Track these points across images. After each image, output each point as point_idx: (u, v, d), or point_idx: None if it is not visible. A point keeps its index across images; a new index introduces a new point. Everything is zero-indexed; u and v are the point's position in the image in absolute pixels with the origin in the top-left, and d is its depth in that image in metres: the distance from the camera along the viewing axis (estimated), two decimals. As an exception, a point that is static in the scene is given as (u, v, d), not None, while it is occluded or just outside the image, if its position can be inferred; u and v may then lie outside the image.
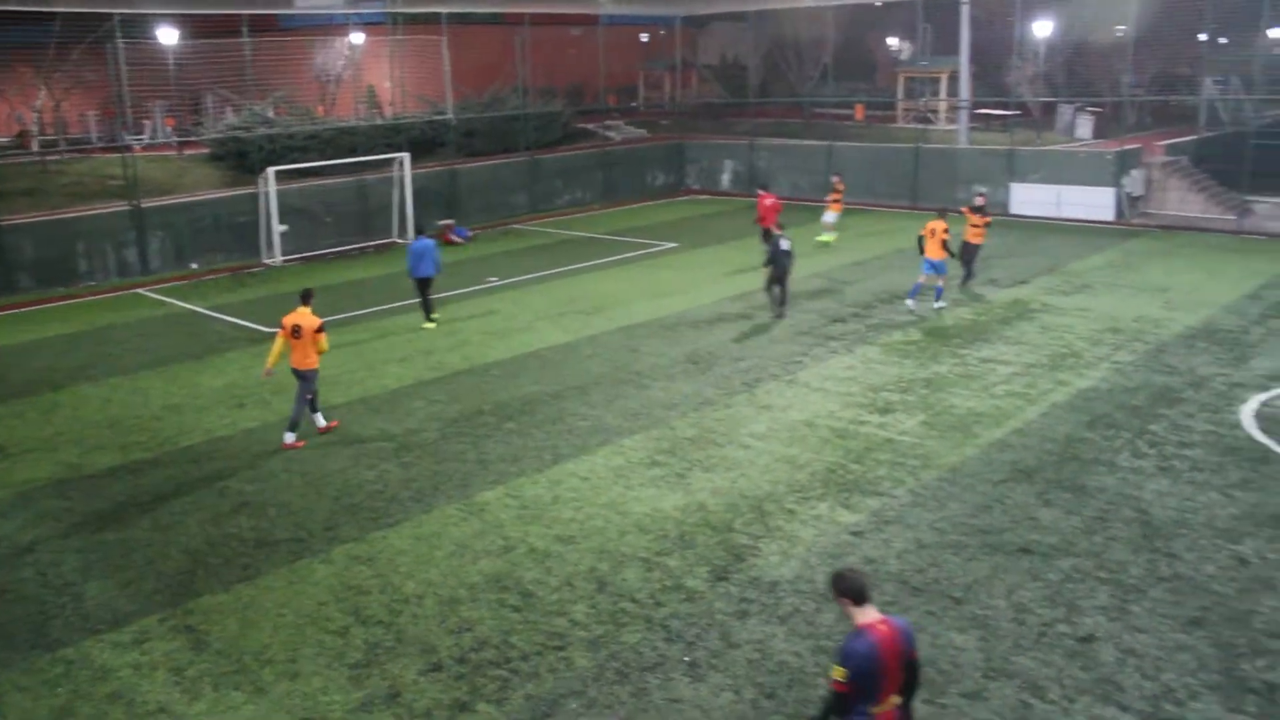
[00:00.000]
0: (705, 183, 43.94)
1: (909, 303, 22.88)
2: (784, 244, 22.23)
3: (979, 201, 24.21)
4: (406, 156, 32.97)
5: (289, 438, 15.61)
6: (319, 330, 15.53)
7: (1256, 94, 39.62)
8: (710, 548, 11.99)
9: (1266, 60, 42.72)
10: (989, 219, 24.74)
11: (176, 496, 13.98)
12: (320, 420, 16.12)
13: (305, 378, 15.62)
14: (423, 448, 15.37)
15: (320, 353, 15.61)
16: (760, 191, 30.24)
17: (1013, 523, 12.45)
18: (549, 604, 10.88)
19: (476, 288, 26.10)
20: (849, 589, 6.87)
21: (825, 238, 30.81)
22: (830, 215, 31.33)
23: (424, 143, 37.65)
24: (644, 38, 60.13)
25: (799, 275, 26.27)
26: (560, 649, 10.05)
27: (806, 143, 42.55)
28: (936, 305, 22.83)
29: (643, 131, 48.43)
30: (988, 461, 14.27)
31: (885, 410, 16.37)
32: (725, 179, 43.55)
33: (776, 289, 22.40)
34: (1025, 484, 13.54)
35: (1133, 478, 13.69)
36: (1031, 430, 15.40)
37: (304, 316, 15.55)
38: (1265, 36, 45.40)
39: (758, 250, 29.88)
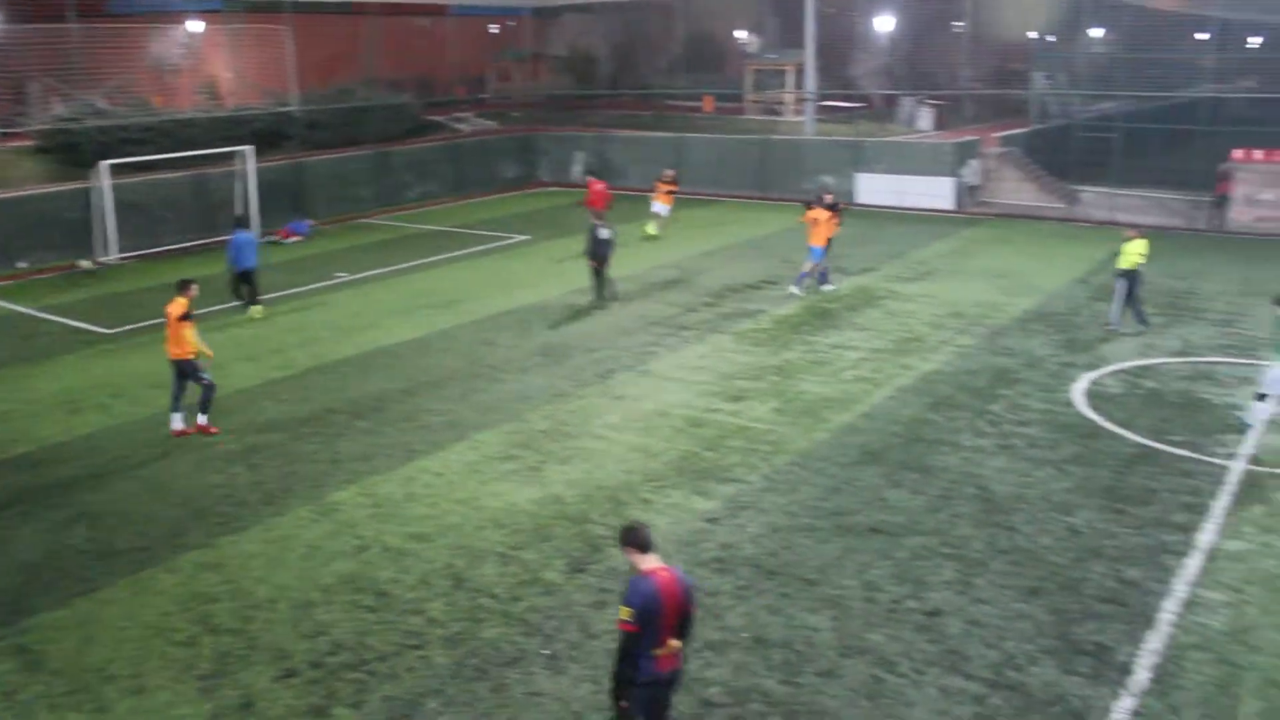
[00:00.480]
0: (557, 175, 43.87)
1: (793, 289, 23.52)
2: (603, 233, 22.75)
3: (828, 199, 24.62)
4: (250, 149, 32.00)
5: (202, 419, 15.62)
6: (181, 318, 15.19)
7: (1081, 89, 41.51)
8: (567, 540, 12.00)
9: (1089, 58, 44.82)
10: (840, 210, 25.01)
11: (8, 508, 13.30)
12: (177, 422, 15.59)
13: (177, 368, 15.38)
14: (272, 449, 14.97)
15: (190, 344, 15.33)
16: (590, 179, 30.48)
17: (862, 504, 12.80)
18: (405, 603, 10.73)
19: (325, 283, 25.54)
20: (636, 540, 7.56)
21: (651, 229, 30.70)
22: (660, 206, 31.03)
23: (268, 135, 36.54)
24: (493, 29, 59.60)
25: (651, 266, 26.53)
26: (418, 648, 9.93)
27: (657, 134, 42.88)
28: (824, 287, 23.63)
29: (493, 123, 48.05)
30: (837, 445, 14.63)
31: (738, 398, 16.63)
32: (576, 171, 43.51)
33: (599, 275, 22.94)
34: (874, 466, 13.93)
35: (974, 456, 14.22)
36: (879, 414, 15.86)
37: (173, 305, 15.30)
38: (1087, 36, 47.65)
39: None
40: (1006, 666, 9.50)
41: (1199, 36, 48.11)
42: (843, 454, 14.33)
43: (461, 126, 46.58)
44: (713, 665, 9.53)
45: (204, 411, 15.64)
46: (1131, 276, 20.18)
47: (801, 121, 43.76)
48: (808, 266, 23.48)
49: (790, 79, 52.69)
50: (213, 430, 15.58)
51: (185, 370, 15.42)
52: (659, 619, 7.30)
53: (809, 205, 23.70)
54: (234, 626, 10.39)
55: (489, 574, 11.26)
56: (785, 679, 9.33)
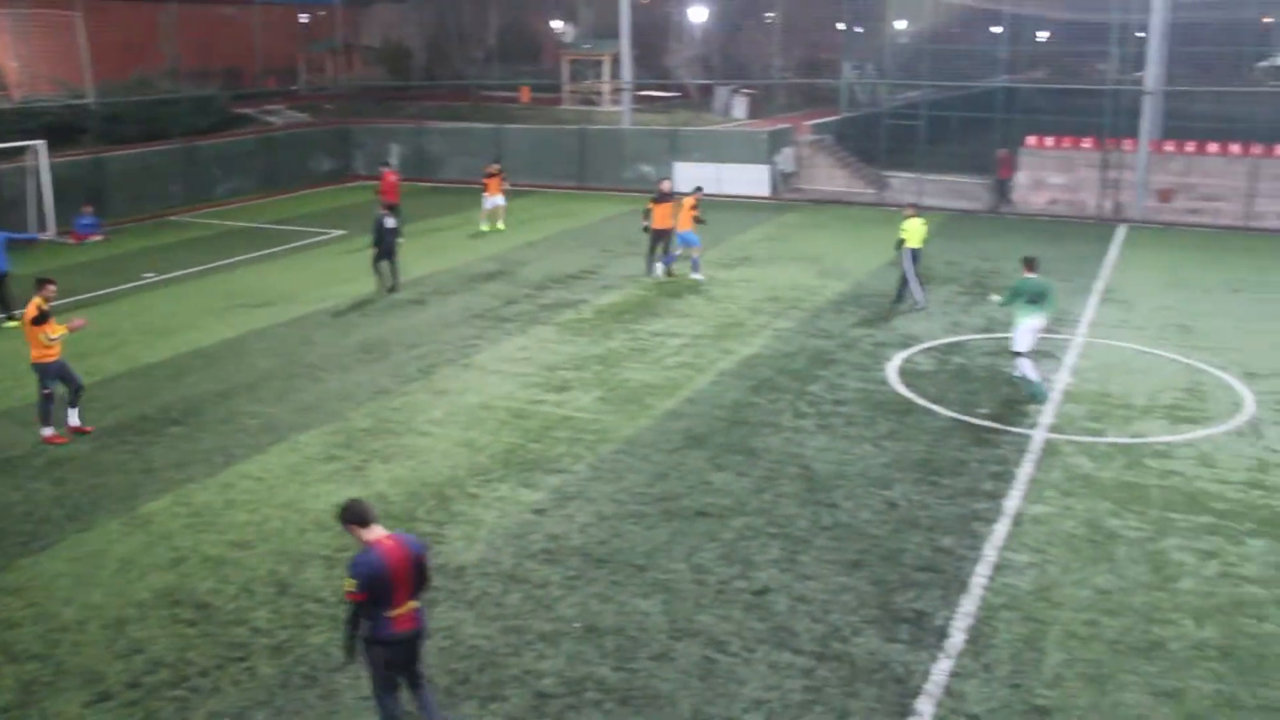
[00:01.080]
0: (374, 168, 42.89)
1: (658, 269, 24.11)
2: (389, 222, 22.75)
3: (665, 187, 24.33)
4: (42, 144, 30.26)
5: (72, 417, 15.14)
6: (33, 321, 14.49)
7: (888, 79, 43.01)
8: (394, 538, 11.77)
9: (894, 48, 46.47)
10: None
11: None
12: (46, 431, 14.89)
13: (37, 371, 14.80)
14: (78, 460, 14.20)
15: (46, 346, 14.65)
16: (383, 169, 30.06)
17: (688, 488, 12.99)
18: (227, 614, 10.35)
19: (132, 284, 24.38)
20: (353, 516, 7.92)
21: (485, 226, 30.31)
22: (491, 199, 30.46)
23: (62, 129, 34.65)
24: (303, 18, 57.98)
25: (473, 258, 26.30)
26: (242, 659, 9.59)
27: (475, 125, 42.53)
28: (694, 276, 23.86)
29: (305, 116, 46.80)
30: (662, 431, 14.81)
31: (561, 388, 16.64)
32: (393, 164, 42.69)
33: (385, 264, 22.87)
34: (698, 450, 14.15)
35: (795, 436, 14.60)
36: (702, 398, 16.12)
37: (30, 306, 14.66)
38: (893, 27, 49.43)
39: (426, 235, 29.67)
40: (832, 638, 9.80)
41: (994, 30, 50.49)
42: (667, 440, 14.51)
43: (273, 119, 45.20)
44: (546, 657, 9.52)
45: (73, 406, 15.17)
46: (915, 254, 21.35)
47: (619, 111, 44.05)
48: (696, 252, 23.95)
49: (607, 69, 52.99)
50: (86, 429, 15.15)
51: (38, 371, 14.73)
52: (388, 585, 7.78)
53: (655, 201, 23.68)
54: (39, 652, 9.82)
55: (314, 578, 10.97)
56: (619, 665, 9.40)
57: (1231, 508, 12.54)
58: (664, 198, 23.74)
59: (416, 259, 26.04)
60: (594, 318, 20.79)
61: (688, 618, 10.16)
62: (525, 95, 53.30)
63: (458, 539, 11.75)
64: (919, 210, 22.27)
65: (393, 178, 29.12)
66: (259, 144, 39.86)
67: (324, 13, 56.07)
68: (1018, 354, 16.23)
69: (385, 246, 22.67)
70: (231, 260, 26.77)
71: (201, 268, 25.99)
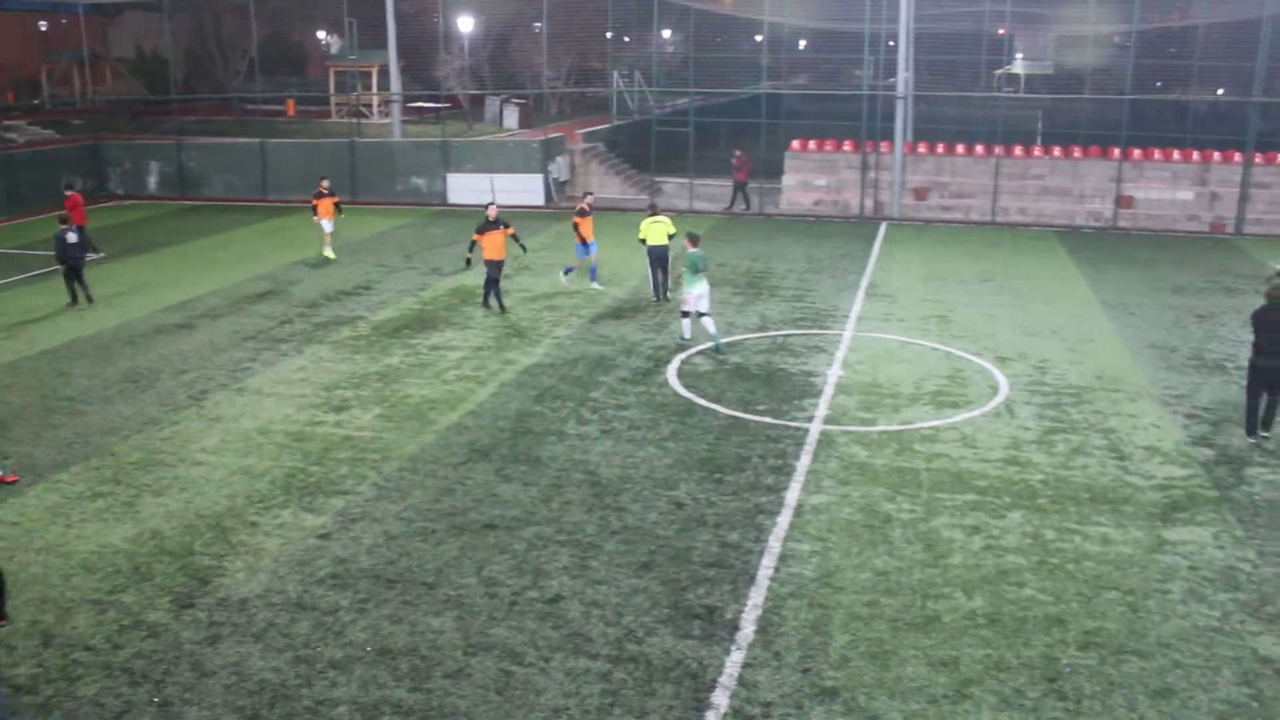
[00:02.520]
0: (130, 186, 40.75)
1: (563, 279, 24.25)
2: (70, 236, 22.71)
3: (492, 213, 22.17)
4: None
5: None
6: None
7: (656, 87, 43.84)
8: (170, 576, 11.20)
9: (661, 57, 47.39)
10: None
11: None
12: None
13: None
14: None
15: None
16: (68, 191, 28.73)
17: (475, 501, 12.87)
18: (-19, 670, 9.58)
19: None
20: None
21: (330, 253, 27.96)
22: (327, 223, 27.96)
23: None
24: (43, 26, 54.46)
25: (241, 278, 25.31)
26: None
27: (239, 141, 40.94)
28: (593, 285, 23.97)
29: (51, 132, 43.98)
30: (446, 446, 14.62)
31: (341, 408, 16.21)
32: (153, 182, 40.71)
33: (74, 280, 22.90)
34: (484, 463, 14.04)
35: (580, 443, 14.68)
36: (485, 411, 16.00)
37: None
38: (660, 36, 50.40)
39: (193, 257, 28.42)
40: (627, 641, 9.88)
41: (757, 38, 52.14)
42: (452, 454, 14.34)
43: (12, 136, 42.27)
44: (339, 685, 9.24)
45: None
46: (655, 251, 22.32)
47: (389, 123, 43.30)
48: (593, 260, 24.17)
49: (375, 80, 51.99)
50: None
51: None
52: None
53: (481, 230, 22.23)
54: None
55: (83, 625, 10.29)
56: (414, 686, 9.21)
57: (992, 484, 13.35)
58: (491, 225, 21.84)
59: (181, 281, 24.88)
60: (371, 334, 20.35)
61: (482, 632, 10.06)
62: (291, 108, 51.70)
63: (239, 570, 11.26)
64: (657, 210, 23.18)
65: (78, 198, 28.37)
66: (-2, 164, 37.14)
67: (65, 21, 52.82)
68: (702, 314, 18.87)
69: (70, 263, 22.69)
70: (-28, 290, 24.89)
71: (-62, 299, 24.06)
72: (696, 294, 18.87)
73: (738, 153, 36.26)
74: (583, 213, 24.18)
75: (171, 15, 45.75)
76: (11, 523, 12.50)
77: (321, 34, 62.54)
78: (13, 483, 13.64)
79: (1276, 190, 34.24)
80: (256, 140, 39.97)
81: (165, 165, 40.34)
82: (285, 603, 10.61)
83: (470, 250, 22.65)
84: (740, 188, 36.12)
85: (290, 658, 9.66)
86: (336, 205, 28.21)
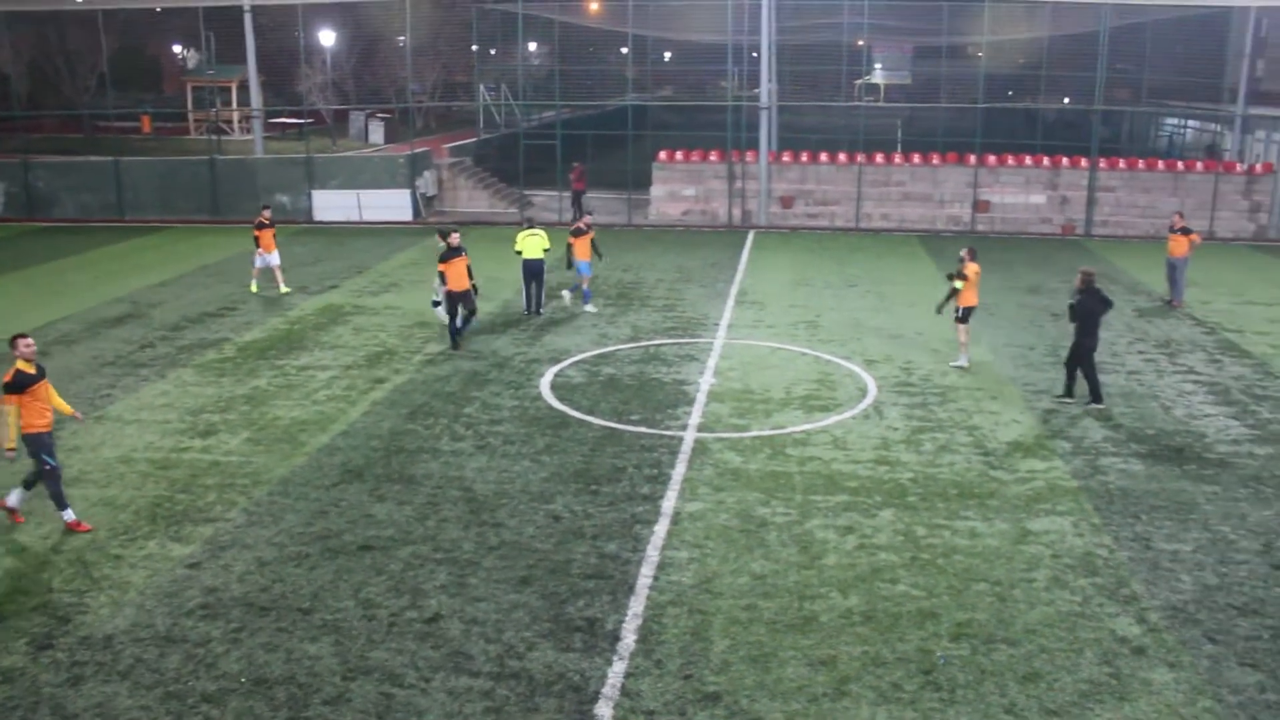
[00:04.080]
0: (-28, 209, 38.94)
1: (566, 296, 23.61)
2: None
3: (455, 240, 20.11)
4: None
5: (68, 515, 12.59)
6: (6, 387, 12.26)
7: (523, 100, 43.77)
8: (26, 616, 10.68)
9: (528, 70, 47.36)
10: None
11: None
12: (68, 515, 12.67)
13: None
14: None
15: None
16: None
17: (350, 523, 12.63)
18: None
19: None
20: None
21: (254, 287, 25.48)
22: (263, 259, 25.29)
23: None
24: None
25: (97, 302, 24.41)
26: None
27: (90, 159, 39.48)
28: (585, 307, 23.20)
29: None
30: (318, 468, 14.32)
31: (207, 433, 15.75)
32: (-2, 204, 38.98)
33: None
34: (357, 483, 13.79)
35: (455, 460, 14.54)
36: (356, 430, 15.73)
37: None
38: (526, 49, 50.38)
39: (44, 281, 27.31)
40: (508, 657, 9.81)
41: (623, 50, 52.51)
42: (324, 476, 14.05)
43: None
44: (212, 719, 8.96)
45: (27, 487, 12.86)
46: (530, 265, 22.29)
47: (250, 140, 42.33)
48: (586, 281, 23.36)
49: (234, 95, 50.79)
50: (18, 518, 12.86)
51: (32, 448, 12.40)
52: None
53: (445, 259, 20.67)
54: None
55: (-72, 672, 9.77)
56: (292, 715, 8.98)
57: (863, 484, 13.66)
58: (454, 252, 19.82)
59: (32, 306, 23.88)
60: (237, 356, 19.83)
61: (360, 655, 9.87)
62: (146, 125, 50.16)
63: (103, 606, 10.82)
64: (533, 224, 23.13)
65: None
66: None
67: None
68: (439, 303, 20.33)
69: None
70: None
71: None
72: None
73: (575, 164, 36.45)
74: (579, 232, 23.08)
75: (9, 25, 43.89)
76: None
77: (177, 48, 60.79)
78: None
79: (1120, 193, 35.89)
80: (110, 158, 38.60)
81: (10, 185, 38.62)
82: (153, 637, 10.24)
83: (442, 283, 20.12)
84: (578, 198, 36.31)
85: (160, 694, 9.33)
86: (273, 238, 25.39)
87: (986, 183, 36.16)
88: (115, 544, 12.19)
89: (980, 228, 35.32)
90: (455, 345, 19.90)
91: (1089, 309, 16.72)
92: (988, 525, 12.51)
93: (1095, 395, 16.88)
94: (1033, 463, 14.49)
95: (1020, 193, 36.20)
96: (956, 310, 18.90)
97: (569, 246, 23.07)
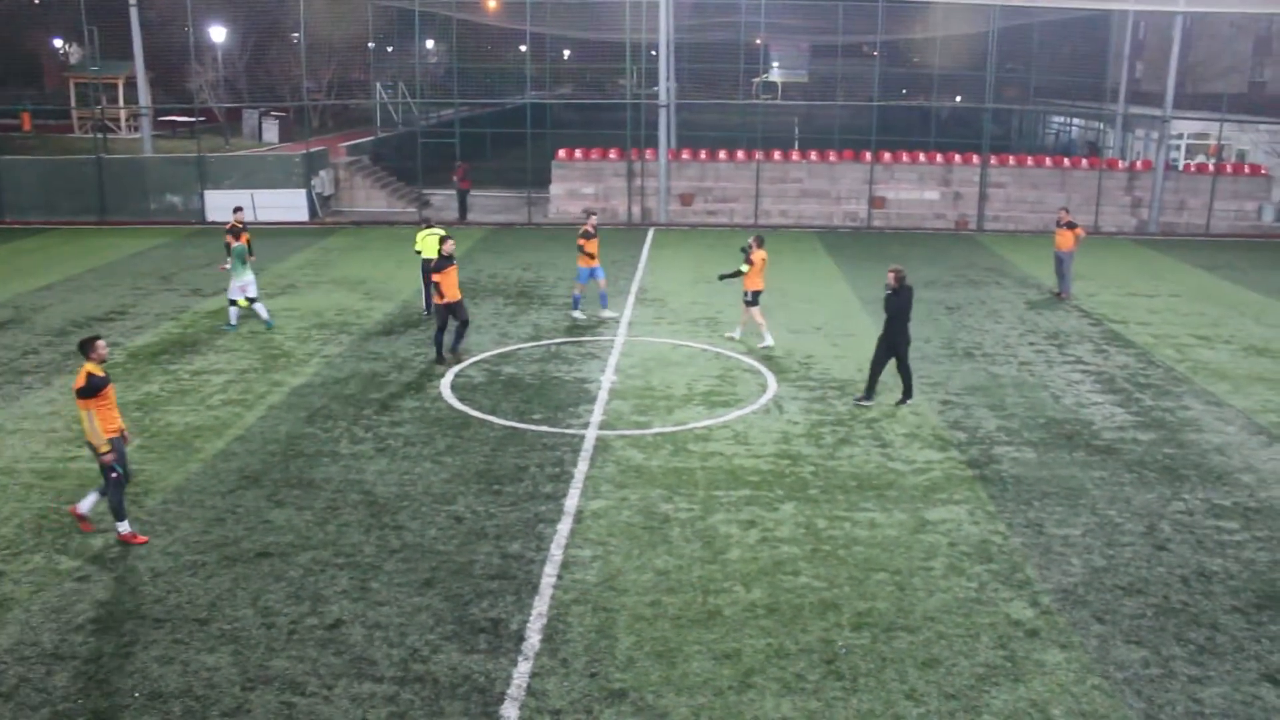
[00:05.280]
0: None
1: (576, 313, 22.42)
2: None
3: (449, 248, 19.17)
4: None
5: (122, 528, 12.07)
6: (80, 392, 11.84)
7: (421, 98, 43.29)
8: (-96, 633, 10.29)
9: (425, 67, 46.87)
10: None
11: None
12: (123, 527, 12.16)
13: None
14: None
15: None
16: None
17: (247, 530, 12.37)
18: None
19: None
20: None
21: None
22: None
23: None
24: None
25: (-22, 307, 23.52)
26: None
27: (-34, 159, 38.03)
28: (604, 312, 22.66)
29: None
30: (214, 474, 14.00)
31: (98, 440, 15.27)
32: None
33: None
34: (255, 489, 13.52)
35: (355, 463, 14.33)
36: (253, 435, 15.41)
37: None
38: (424, 46, 49.85)
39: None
40: (412, 660, 9.71)
41: (522, 48, 52.21)
42: (220, 482, 13.74)
43: None
44: (102, 734, 8.71)
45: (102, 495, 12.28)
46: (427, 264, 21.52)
47: (139, 138, 41.19)
48: (603, 286, 22.57)
49: (121, 92, 49.36)
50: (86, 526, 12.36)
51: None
52: None
53: (587, 235, 21.56)
54: None
55: None
56: (187, 729, 8.78)
57: (765, 479, 13.81)
58: (446, 261, 18.75)
59: (-94, 313, 22.95)
60: (128, 361, 19.28)
61: (260, 665, 9.68)
62: (26, 122, 48.47)
63: (-16, 622, 10.45)
64: (431, 223, 22.58)
65: None
66: None
67: None
68: (233, 302, 21.06)
69: None
70: None
71: None
72: (243, 283, 20.92)
73: (458, 163, 36.29)
74: (588, 235, 21.89)
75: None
76: None
77: (59, 42, 58.85)
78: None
79: (1010, 189, 36.82)
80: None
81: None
82: (40, 655, 9.90)
83: (438, 297, 18.85)
84: (463, 197, 36.21)
85: (47, 713, 9.02)
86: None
87: (882, 179, 36.81)
88: (-1, 558, 11.77)
89: (876, 223, 35.96)
90: (441, 359, 18.93)
91: (900, 307, 16.62)
92: (887, 516, 12.74)
93: (908, 392, 16.95)
94: (929, 453, 14.79)
95: (915, 189, 36.93)
96: (746, 294, 19.85)
97: (580, 248, 21.73)
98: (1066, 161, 38.18)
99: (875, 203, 36.54)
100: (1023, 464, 14.47)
